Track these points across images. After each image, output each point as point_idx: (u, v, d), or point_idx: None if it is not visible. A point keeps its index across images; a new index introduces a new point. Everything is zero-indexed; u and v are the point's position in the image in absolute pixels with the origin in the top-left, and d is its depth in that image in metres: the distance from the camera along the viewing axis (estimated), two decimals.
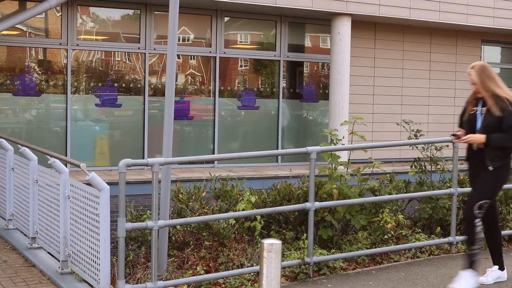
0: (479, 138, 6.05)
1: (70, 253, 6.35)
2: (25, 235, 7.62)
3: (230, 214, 7.23)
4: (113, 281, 5.95)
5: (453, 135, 6.31)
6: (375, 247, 7.68)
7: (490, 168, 6.05)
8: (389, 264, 7.44)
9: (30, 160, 7.31)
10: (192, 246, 7.28)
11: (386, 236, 7.87)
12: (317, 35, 16.29)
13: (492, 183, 6.16)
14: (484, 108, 6.11)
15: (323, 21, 14.79)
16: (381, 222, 8.00)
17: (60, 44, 13.18)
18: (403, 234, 8.04)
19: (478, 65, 6.20)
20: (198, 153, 13.70)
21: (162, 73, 14.34)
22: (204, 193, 7.94)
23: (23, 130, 13.19)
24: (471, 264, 6.19)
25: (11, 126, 13.11)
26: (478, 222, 6.10)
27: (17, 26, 12.63)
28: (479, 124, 6.12)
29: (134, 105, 14.04)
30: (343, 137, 9.02)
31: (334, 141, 8.29)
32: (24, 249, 7.26)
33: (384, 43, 15.94)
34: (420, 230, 8.33)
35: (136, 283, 6.31)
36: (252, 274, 6.70)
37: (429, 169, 9.05)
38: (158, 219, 6.02)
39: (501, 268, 6.55)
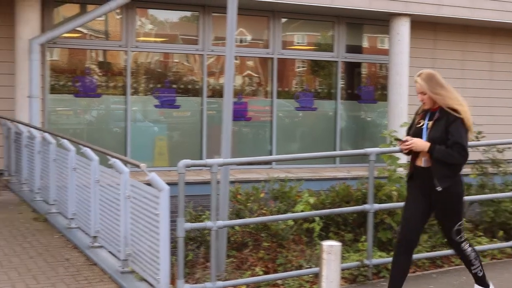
0: (422, 144, 5.43)
1: (131, 252, 6.41)
2: (86, 234, 7.72)
3: (289, 215, 7.23)
4: (172, 280, 5.98)
5: (397, 139, 5.71)
6: (436, 250, 7.56)
7: (439, 188, 5.44)
8: (450, 268, 7.31)
9: (91, 160, 7.41)
10: (250, 247, 7.28)
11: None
12: (375, 35, 16.16)
13: (452, 205, 5.59)
14: (431, 122, 5.53)
15: (381, 21, 14.65)
16: None
17: (120, 46, 13.35)
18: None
19: (425, 72, 5.60)
20: (255, 154, 13.72)
21: (220, 75, 14.40)
22: (263, 194, 7.94)
23: (84, 131, 13.41)
24: (478, 281, 5.89)
25: (72, 127, 13.35)
26: (465, 245, 5.72)
27: (78, 28, 12.84)
28: (424, 138, 5.53)
29: (192, 106, 14.14)
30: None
31: (393, 143, 8.20)
32: (85, 248, 7.36)
33: (444, 43, 15.72)
34: (481, 233, 8.17)
35: (195, 283, 6.34)
36: (311, 275, 6.67)
37: (491, 172, 8.87)
38: (217, 220, 6.04)
39: None
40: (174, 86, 14.01)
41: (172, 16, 14.33)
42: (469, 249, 5.75)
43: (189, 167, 5.74)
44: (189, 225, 6.02)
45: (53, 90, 13.08)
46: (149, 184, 5.89)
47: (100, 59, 14.00)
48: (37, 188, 9.92)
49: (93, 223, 7.37)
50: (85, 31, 13.43)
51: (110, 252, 7.04)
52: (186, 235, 6.13)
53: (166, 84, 13.91)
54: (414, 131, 5.65)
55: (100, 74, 13.69)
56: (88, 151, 7.53)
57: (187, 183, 5.79)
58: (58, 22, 12.94)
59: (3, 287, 6.06)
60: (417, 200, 5.65)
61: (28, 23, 11.72)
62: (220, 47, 13.81)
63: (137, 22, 13.55)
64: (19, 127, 10.96)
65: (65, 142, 8.43)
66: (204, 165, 6.00)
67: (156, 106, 13.84)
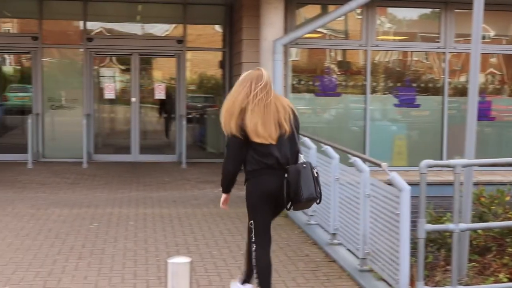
0: None
1: (369, 251, 6.42)
2: (325, 230, 7.84)
3: None
4: (411, 282, 5.90)
5: None
6: None
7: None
8: None
9: (331, 158, 7.50)
10: (494, 252, 6.98)
11: None
12: None
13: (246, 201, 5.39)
14: None
15: None
16: None
17: (360, 45, 13.42)
18: None
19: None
20: (499, 156, 13.11)
21: (461, 73, 13.97)
22: (508, 197, 7.57)
23: (323, 130, 13.65)
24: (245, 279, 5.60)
25: (312, 125, 13.65)
26: (252, 248, 5.31)
27: (318, 29, 13.09)
28: None
29: (432, 106, 13.85)
30: None
31: None
32: (324, 244, 7.47)
33: None
34: None
35: (435, 286, 6.20)
36: None
37: None
38: (459, 222, 5.85)
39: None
40: (414, 85, 13.82)
41: (412, 13, 14.15)
42: (254, 256, 5.32)
43: (431, 167, 5.62)
44: (430, 227, 5.88)
45: (294, 89, 13.45)
46: (389, 184, 5.85)
47: (339, 58, 14.18)
48: None
49: (332, 220, 7.47)
50: (324, 31, 13.67)
51: (348, 249, 7.10)
52: (426, 237, 6.01)
53: (405, 83, 13.76)
54: None
55: (339, 73, 13.86)
56: (329, 150, 7.64)
57: (426, 184, 5.65)
58: (300, 23, 13.28)
59: None
60: None
61: (273, 24, 12.14)
62: (462, 44, 13.38)
63: (376, 21, 13.54)
64: None
65: (307, 140, 8.61)
66: (447, 166, 5.84)
67: (395, 105, 13.74)
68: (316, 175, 5.30)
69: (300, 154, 5.32)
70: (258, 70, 5.31)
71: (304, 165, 5.23)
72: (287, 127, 5.20)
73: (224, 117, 5.20)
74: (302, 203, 5.25)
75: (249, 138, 5.12)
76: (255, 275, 5.38)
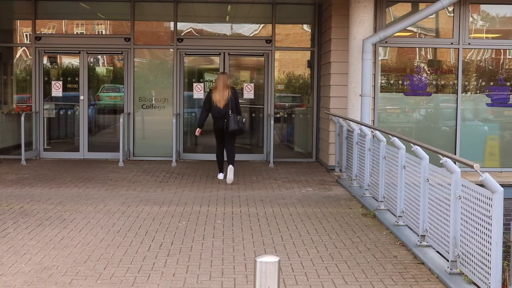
0: None
1: (459, 254, 6.27)
2: (414, 232, 7.71)
3: None
4: (503, 286, 5.73)
5: None
6: None
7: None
8: None
9: (421, 158, 7.37)
10: None
11: None
12: None
13: None
14: None
15: None
16: None
17: (452, 43, 13.15)
18: None
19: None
20: None
21: None
22: None
23: (413, 129, 13.45)
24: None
25: (401, 125, 13.48)
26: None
27: (408, 27, 12.90)
28: None
29: None
30: None
31: None
32: (413, 246, 7.35)
33: None
34: None
35: None
36: None
37: None
38: None
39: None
40: (508, 83, 13.44)
41: (506, 10, 13.76)
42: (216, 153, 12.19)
43: None
44: None
45: (383, 88, 13.30)
46: (481, 185, 5.70)
47: (430, 57, 13.93)
48: (367, 185, 10.14)
49: (421, 222, 7.33)
50: (414, 29, 13.46)
51: (437, 252, 6.95)
52: None
53: (499, 82, 13.39)
54: None
55: (429, 72, 13.61)
56: (419, 150, 7.51)
57: None
58: (389, 22, 13.12)
59: (334, 278, 6.30)
60: None
61: (362, 23, 12.04)
62: None
63: (469, 19, 13.23)
64: (351, 124, 11.30)
65: (396, 140, 8.49)
66: None
67: (488, 104, 13.40)
68: (238, 119, 11.38)
69: (229, 111, 11.35)
70: (222, 73, 12.10)
71: (231, 115, 11.33)
72: (226, 100, 11.43)
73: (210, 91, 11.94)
74: (230, 131, 11.40)
75: (212, 102, 11.53)
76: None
